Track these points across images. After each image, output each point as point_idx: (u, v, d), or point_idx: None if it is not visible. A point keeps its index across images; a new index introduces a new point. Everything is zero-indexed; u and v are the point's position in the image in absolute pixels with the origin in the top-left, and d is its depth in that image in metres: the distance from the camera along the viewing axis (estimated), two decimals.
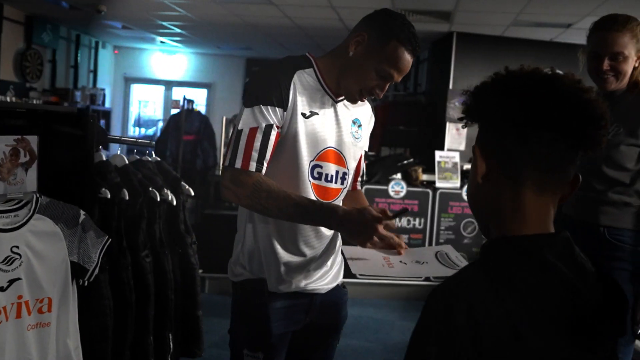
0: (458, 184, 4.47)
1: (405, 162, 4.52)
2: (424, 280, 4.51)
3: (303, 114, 1.34)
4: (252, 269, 1.42)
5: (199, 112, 6.86)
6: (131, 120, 9.69)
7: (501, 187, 0.79)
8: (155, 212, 1.83)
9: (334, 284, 1.51)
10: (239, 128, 1.32)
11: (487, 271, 0.75)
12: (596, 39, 1.81)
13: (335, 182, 1.43)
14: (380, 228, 1.24)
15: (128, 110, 9.62)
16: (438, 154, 4.52)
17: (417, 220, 4.51)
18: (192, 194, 2.00)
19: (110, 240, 1.51)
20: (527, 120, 0.76)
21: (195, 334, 1.90)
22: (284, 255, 1.40)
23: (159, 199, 1.81)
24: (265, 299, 1.39)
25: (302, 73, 1.37)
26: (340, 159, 1.42)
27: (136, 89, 9.82)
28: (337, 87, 1.39)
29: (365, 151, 1.57)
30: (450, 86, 5.85)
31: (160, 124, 9.31)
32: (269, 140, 1.30)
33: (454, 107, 5.88)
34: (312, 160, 1.38)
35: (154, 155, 2.03)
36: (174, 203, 1.87)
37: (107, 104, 8.44)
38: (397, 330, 3.82)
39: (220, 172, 1.54)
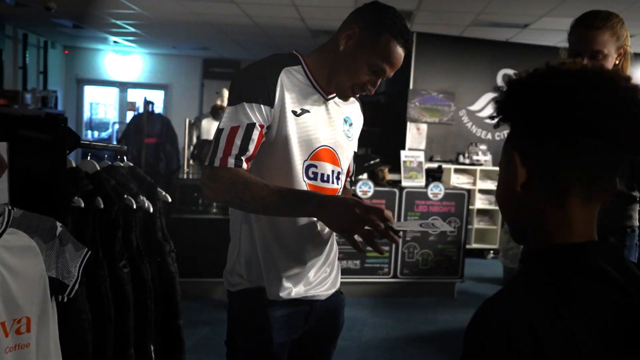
0: (423, 183, 4.53)
1: (372, 162, 4.55)
2: (392, 278, 4.56)
3: (294, 112, 1.31)
4: (250, 278, 1.37)
5: (160, 115, 6.69)
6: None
7: (544, 196, 0.73)
8: (132, 220, 1.76)
9: (333, 290, 1.48)
10: (221, 127, 1.28)
11: (542, 284, 0.69)
12: (576, 37, 1.78)
13: (332, 182, 1.39)
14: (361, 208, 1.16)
15: (82, 113, 9.28)
16: (403, 153, 4.57)
17: None
18: (169, 199, 1.94)
19: (89, 252, 1.43)
20: (576, 126, 0.69)
21: (177, 344, 1.84)
22: (284, 260, 1.35)
23: (134, 207, 1.74)
24: (265, 307, 1.34)
25: (290, 70, 1.34)
26: (334, 158, 1.39)
27: (88, 91, 9.49)
28: (328, 84, 1.36)
29: (354, 151, 1.53)
30: (411, 86, 5.94)
31: (116, 127, 9.03)
32: (250, 138, 1.26)
33: (415, 107, 5.97)
34: (306, 160, 1.34)
35: (125, 160, 1.95)
36: (151, 210, 1.81)
37: (60, 107, 8.12)
38: (369, 328, 3.83)
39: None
